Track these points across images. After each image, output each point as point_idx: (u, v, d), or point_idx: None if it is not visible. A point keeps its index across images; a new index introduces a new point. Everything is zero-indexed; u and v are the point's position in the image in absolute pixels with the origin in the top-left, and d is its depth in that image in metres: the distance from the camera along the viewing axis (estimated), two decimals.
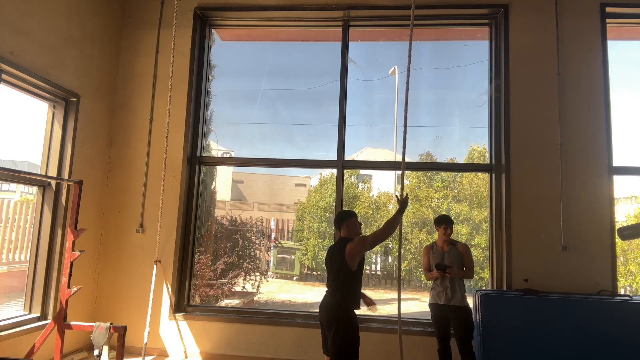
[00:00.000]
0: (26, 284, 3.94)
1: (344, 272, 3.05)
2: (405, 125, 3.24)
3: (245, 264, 6.33)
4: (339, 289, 3.06)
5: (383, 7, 4.66)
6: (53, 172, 4.07)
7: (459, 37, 5.26)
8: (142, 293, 4.38)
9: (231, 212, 6.95)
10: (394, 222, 3.08)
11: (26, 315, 3.86)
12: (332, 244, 3.44)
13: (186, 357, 4.36)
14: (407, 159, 3.29)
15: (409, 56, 3.26)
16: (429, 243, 4.08)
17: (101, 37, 4.59)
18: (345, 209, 3.52)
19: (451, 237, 3.84)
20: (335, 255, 3.14)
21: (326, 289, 3.19)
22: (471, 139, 6.33)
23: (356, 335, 2.97)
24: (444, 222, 3.82)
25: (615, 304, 3.68)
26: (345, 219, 3.26)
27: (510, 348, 3.64)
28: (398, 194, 3.30)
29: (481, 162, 6.17)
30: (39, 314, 3.90)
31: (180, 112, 4.67)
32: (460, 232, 7.10)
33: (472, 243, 6.68)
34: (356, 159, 6.51)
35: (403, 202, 3.22)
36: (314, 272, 8.50)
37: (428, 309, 3.87)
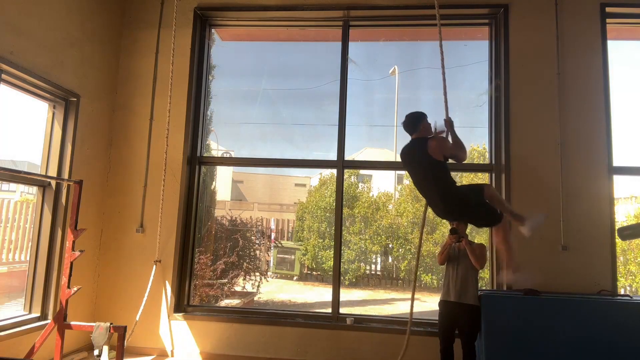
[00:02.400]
0: (26, 284, 3.94)
1: (438, 169, 3.09)
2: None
3: (245, 264, 6.33)
4: (442, 188, 3.13)
5: (383, 7, 4.66)
6: (53, 172, 4.07)
7: (459, 37, 5.26)
8: (143, 293, 4.37)
9: (231, 212, 6.93)
10: (456, 140, 3.16)
11: (26, 315, 3.86)
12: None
13: (186, 357, 4.36)
14: None
15: (442, 58, 3.52)
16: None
17: (101, 37, 4.58)
18: (412, 111, 3.47)
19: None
20: (419, 157, 3.14)
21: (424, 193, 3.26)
22: (471, 139, 6.32)
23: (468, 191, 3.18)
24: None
25: (615, 304, 3.67)
26: (421, 119, 3.23)
27: (510, 348, 3.64)
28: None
29: (481, 162, 6.17)
30: (39, 314, 3.90)
31: (180, 112, 4.67)
32: None
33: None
34: (356, 159, 6.51)
35: (449, 123, 3.28)
36: (314, 272, 8.49)
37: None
